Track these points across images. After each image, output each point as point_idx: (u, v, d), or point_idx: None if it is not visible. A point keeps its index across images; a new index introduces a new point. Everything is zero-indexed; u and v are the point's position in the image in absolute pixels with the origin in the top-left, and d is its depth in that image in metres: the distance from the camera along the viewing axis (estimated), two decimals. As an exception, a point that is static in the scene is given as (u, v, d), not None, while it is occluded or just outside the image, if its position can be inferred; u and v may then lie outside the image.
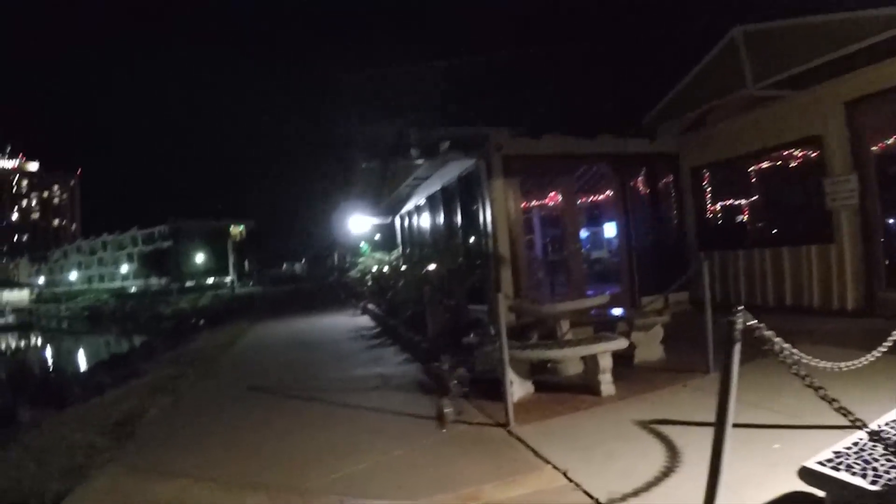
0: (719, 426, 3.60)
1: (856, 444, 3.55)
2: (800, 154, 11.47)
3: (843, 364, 4.31)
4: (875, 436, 3.38)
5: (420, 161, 11.88)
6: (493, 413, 6.44)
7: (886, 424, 3.75)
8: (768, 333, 3.64)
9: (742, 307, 3.61)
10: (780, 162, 11.96)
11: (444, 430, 6.17)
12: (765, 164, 12.24)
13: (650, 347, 8.54)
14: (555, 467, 4.91)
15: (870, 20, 8.77)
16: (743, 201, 12.79)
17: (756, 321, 3.57)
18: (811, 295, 10.79)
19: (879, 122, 10.50)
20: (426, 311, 11.62)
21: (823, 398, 3.44)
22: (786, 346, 3.67)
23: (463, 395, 7.17)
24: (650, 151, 13.00)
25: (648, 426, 5.65)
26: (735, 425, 4.09)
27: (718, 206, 13.27)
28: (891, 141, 10.59)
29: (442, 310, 11.37)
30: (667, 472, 4.61)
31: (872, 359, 4.38)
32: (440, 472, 5.14)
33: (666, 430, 5.51)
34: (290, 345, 14.42)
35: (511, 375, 6.44)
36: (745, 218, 12.81)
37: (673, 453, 4.96)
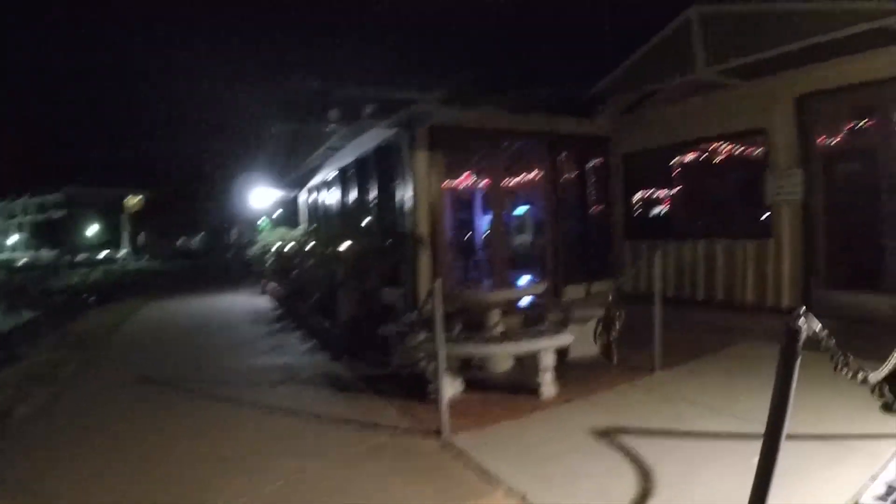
0: (766, 465, 2.80)
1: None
2: (744, 146, 11.09)
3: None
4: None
5: (337, 126, 10.80)
6: (421, 417, 5.51)
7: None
8: (831, 343, 2.91)
9: (802, 308, 2.81)
10: (721, 152, 11.53)
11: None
12: (705, 154, 11.78)
13: (587, 343, 7.80)
14: (510, 489, 4.07)
15: (831, 14, 8.43)
16: (678, 191, 12.27)
17: (819, 327, 2.81)
18: (745, 291, 10.43)
19: (829, 119, 10.20)
20: (337, 294, 10.55)
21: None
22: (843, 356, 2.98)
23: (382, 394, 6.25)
24: (585, 133, 12.30)
25: (605, 435, 4.93)
26: (695, 433, 4.15)
27: (652, 195, 12.73)
28: (839, 139, 10.23)
29: (355, 293, 10.34)
30: (645, 496, 3.91)
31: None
32: (370, 500, 4.17)
33: (627, 439, 4.81)
34: (184, 327, 12.98)
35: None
36: (680, 208, 12.30)
37: (645, 470, 4.26)
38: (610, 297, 7.55)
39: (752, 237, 10.30)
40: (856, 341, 3.99)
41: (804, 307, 2.76)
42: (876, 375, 4.05)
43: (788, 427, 2.93)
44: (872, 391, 4.66)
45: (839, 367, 3.25)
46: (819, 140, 10.00)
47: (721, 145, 11.40)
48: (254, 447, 5.20)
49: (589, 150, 12.62)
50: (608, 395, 6.14)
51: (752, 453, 4.38)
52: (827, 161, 9.99)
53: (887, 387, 4.56)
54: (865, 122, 9.78)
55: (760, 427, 4.79)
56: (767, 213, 10.13)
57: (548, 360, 6.22)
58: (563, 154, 12.26)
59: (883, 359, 4.30)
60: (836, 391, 5.00)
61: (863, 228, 9.64)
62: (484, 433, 5.13)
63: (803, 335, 2.78)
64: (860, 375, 3.23)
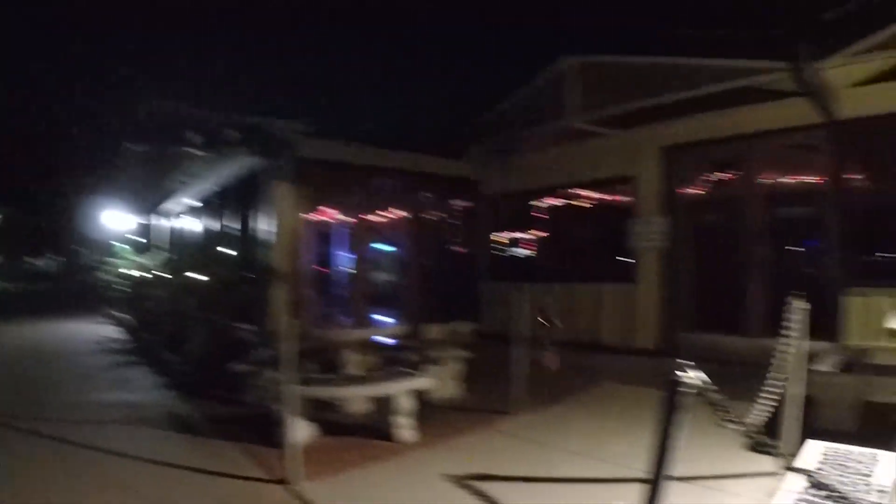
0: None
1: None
2: (611, 193, 11.39)
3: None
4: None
5: (199, 152, 10.38)
6: (272, 464, 5.12)
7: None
8: (715, 395, 2.88)
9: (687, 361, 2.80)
10: (589, 198, 11.77)
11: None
12: (573, 199, 12.00)
13: (446, 384, 7.71)
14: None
15: (698, 70, 8.93)
16: (545, 234, 12.45)
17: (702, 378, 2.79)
18: (606, 333, 10.65)
19: (693, 170, 10.67)
20: (189, 328, 10.01)
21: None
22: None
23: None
24: (452, 173, 12.38)
25: (466, 483, 4.74)
26: (563, 479, 4.06)
27: (517, 237, 12.86)
28: (702, 190, 10.66)
29: (208, 327, 9.83)
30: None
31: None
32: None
33: (489, 487, 4.64)
34: (19, 355, 11.96)
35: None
36: (546, 251, 12.49)
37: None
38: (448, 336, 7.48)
39: (618, 281, 10.58)
40: (717, 381, 4.04)
41: (689, 363, 2.72)
42: (753, 421, 4.12)
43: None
44: (749, 437, 4.75)
45: (723, 418, 3.26)
46: (683, 190, 10.40)
47: (589, 191, 11.67)
48: (80, 499, 4.66)
49: (456, 190, 12.67)
50: (469, 439, 5.99)
51: (616, 497, 4.39)
52: (690, 210, 10.43)
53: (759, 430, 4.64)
54: (727, 175, 10.22)
55: (628, 471, 4.82)
56: (632, 259, 10.39)
57: (406, 404, 6.03)
58: (430, 193, 12.28)
59: (745, 397, 4.38)
60: (698, 431, 5.06)
61: (723, 274, 10.10)
62: (337, 482, 4.85)
63: (688, 387, 2.74)
64: (742, 427, 3.25)
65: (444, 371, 7.70)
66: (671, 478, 2.70)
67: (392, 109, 11.22)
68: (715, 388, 3.10)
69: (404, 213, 12.37)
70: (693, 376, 2.97)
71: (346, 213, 11.97)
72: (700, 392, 3.04)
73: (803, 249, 10.46)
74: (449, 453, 5.56)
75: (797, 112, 8.90)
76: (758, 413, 4.27)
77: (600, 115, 10.22)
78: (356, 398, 6.77)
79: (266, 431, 5.69)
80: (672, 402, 2.93)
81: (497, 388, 7.27)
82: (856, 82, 8.61)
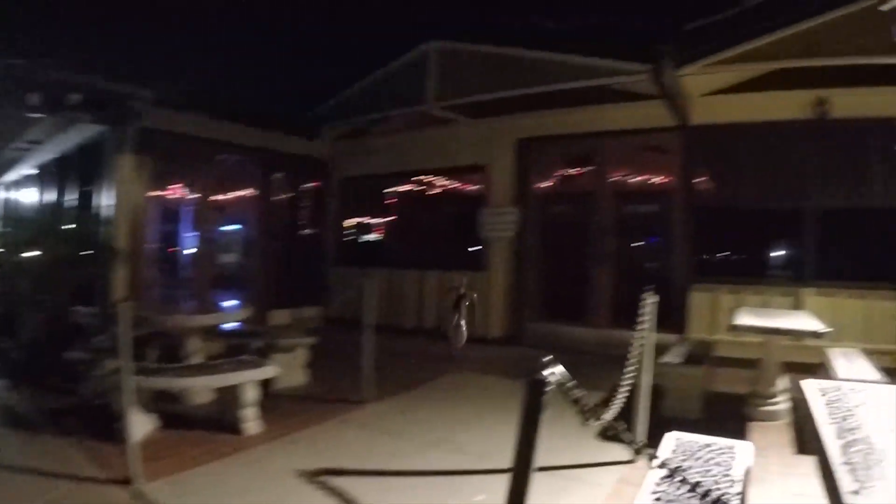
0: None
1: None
2: (464, 181, 11.52)
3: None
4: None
5: (39, 116, 9.68)
6: (112, 461, 4.85)
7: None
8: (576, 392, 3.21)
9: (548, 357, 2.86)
10: (443, 186, 11.86)
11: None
12: (426, 186, 12.05)
13: (293, 372, 7.63)
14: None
15: (561, 65, 9.24)
16: (395, 219, 12.45)
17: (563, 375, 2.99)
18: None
19: (546, 163, 10.98)
20: (20, 310, 9.35)
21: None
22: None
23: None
24: (304, 153, 12.15)
25: (316, 478, 4.69)
26: (418, 472, 4.04)
27: (368, 222, 12.80)
28: (553, 183, 10.97)
29: (42, 310, 9.20)
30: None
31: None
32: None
33: (340, 482, 4.61)
34: None
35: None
36: (396, 237, 12.49)
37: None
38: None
39: (467, 269, 10.69)
40: (567, 371, 4.18)
41: (548, 357, 2.78)
42: (610, 415, 4.29)
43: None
44: (604, 427, 4.93)
45: (580, 409, 3.36)
46: (536, 182, 10.66)
47: (443, 179, 11.74)
48: None
49: (307, 171, 12.47)
50: (318, 431, 5.93)
51: (476, 490, 4.46)
52: (542, 202, 10.74)
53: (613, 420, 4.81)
54: (580, 169, 10.55)
55: (480, 460, 4.92)
56: (482, 248, 10.55)
57: (251, 394, 5.88)
58: (280, 173, 12.03)
59: (596, 387, 4.55)
60: (556, 421, 5.16)
61: (572, 266, 10.49)
62: (181, 480, 4.66)
63: (549, 386, 2.80)
64: (598, 417, 3.36)
65: (292, 359, 7.63)
66: (533, 472, 2.75)
67: (247, 84, 10.81)
68: (574, 382, 3.19)
69: (254, 193, 12.05)
70: (553, 372, 2.97)
71: (193, 190, 11.54)
72: (560, 386, 3.11)
73: (651, 245, 11.01)
74: (298, 446, 5.49)
75: (651, 114, 9.43)
76: (613, 403, 4.45)
77: (459, 102, 10.29)
78: (200, 389, 6.57)
79: (104, 425, 5.42)
80: (533, 398, 2.95)
81: (347, 377, 7.28)
82: (708, 91, 9.26)
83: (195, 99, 10.12)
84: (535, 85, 9.42)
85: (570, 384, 3.26)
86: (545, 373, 2.84)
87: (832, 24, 7.99)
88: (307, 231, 12.78)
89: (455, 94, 10.18)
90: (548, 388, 2.80)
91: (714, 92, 9.34)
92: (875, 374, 6.13)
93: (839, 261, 9.04)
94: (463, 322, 8.89)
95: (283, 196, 12.37)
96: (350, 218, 12.87)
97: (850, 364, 6.54)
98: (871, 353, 7.12)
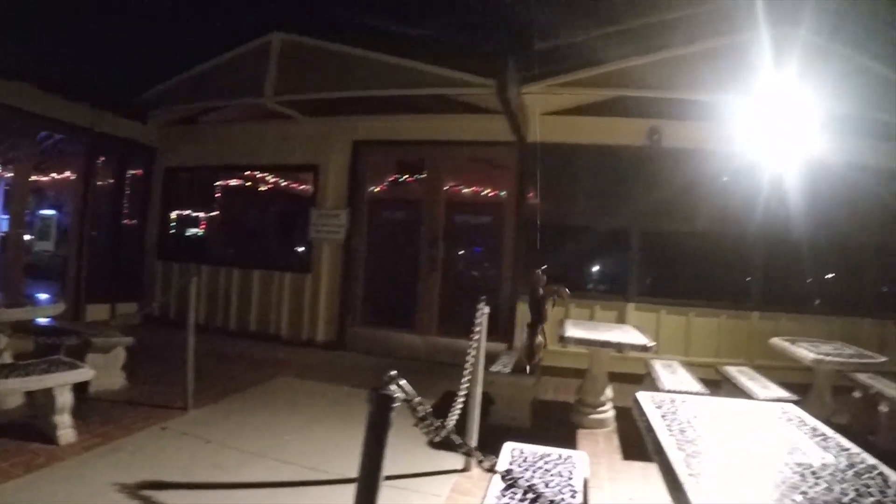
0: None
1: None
2: (295, 180, 11.25)
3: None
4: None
5: None
6: None
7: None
8: (425, 408, 3.17)
9: (393, 373, 2.75)
10: (275, 183, 11.52)
11: None
12: (255, 182, 11.65)
13: (110, 374, 7.12)
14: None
15: (405, 71, 9.18)
16: (221, 214, 11.94)
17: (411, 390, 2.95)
18: (280, 323, 10.59)
19: (380, 168, 11.03)
20: None
21: None
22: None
23: None
24: (132, 138, 11.31)
25: (140, 493, 4.32)
26: (245, 485, 3.88)
27: (192, 215, 12.21)
28: (386, 188, 10.93)
29: None
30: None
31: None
32: None
33: (168, 498, 4.30)
34: None
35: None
36: (220, 233, 11.99)
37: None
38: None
39: (292, 270, 10.52)
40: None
41: (394, 372, 2.65)
42: (445, 421, 4.21)
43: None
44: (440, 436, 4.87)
45: (419, 419, 3.25)
46: (369, 185, 10.58)
47: (273, 175, 11.43)
48: None
49: (135, 157, 11.70)
50: (139, 439, 5.51)
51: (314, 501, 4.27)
52: (374, 206, 10.69)
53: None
54: (414, 176, 10.56)
55: (311, 472, 4.74)
56: (313, 250, 10.34)
57: (66, 398, 5.37)
58: (105, 157, 11.15)
59: (423, 393, 4.48)
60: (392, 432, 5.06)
61: (401, 273, 10.55)
62: (-14, 498, 4.10)
63: (396, 402, 2.68)
64: (434, 426, 3.28)
65: (110, 359, 7.12)
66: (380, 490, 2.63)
67: (80, 58, 9.90)
68: (416, 394, 3.09)
69: (75, 176, 11.12)
70: (398, 387, 2.87)
71: (7, 168, 10.54)
72: (405, 400, 3.01)
73: (480, 255, 11.15)
74: (119, 457, 5.05)
75: (490, 127, 9.61)
76: (452, 412, 4.39)
77: (297, 98, 10.02)
78: (7, 392, 5.94)
79: None
80: (379, 413, 2.83)
81: (169, 380, 6.94)
82: (549, 111, 9.63)
83: (13, 67, 9.15)
84: (376, 88, 9.33)
85: (417, 399, 3.16)
86: (392, 388, 2.76)
87: (662, 62, 8.69)
88: (131, 221, 11.98)
89: (294, 90, 9.89)
90: (395, 405, 2.71)
91: (555, 112, 9.65)
92: (696, 385, 6.51)
93: (660, 278, 9.70)
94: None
95: (108, 181, 11.48)
96: (176, 210, 12.20)
97: (674, 375, 6.94)
98: (689, 365, 7.61)
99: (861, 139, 9.14)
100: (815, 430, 2.81)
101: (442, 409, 4.09)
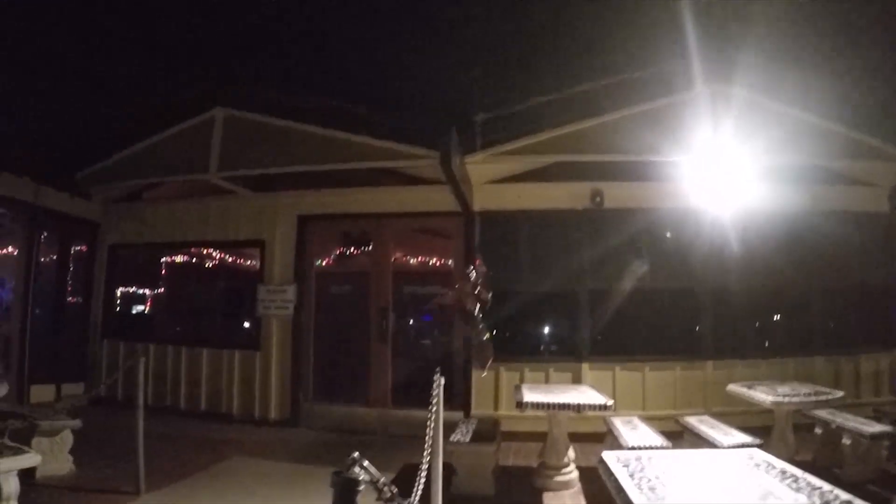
0: None
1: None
2: (242, 256, 11.24)
3: None
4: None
5: None
6: None
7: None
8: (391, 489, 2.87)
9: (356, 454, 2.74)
10: (218, 259, 11.44)
11: None
12: (201, 258, 11.58)
13: (58, 459, 6.89)
14: None
15: (348, 144, 9.37)
16: (167, 292, 11.81)
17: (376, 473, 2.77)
18: (231, 402, 10.39)
19: (326, 241, 11.00)
20: None
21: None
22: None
23: None
24: (75, 213, 11.12)
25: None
26: None
27: (138, 293, 12.04)
28: (333, 261, 10.95)
29: None
30: None
31: None
32: None
33: None
34: None
35: None
36: (167, 310, 11.84)
37: None
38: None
39: (241, 348, 10.40)
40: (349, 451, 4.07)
41: (356, 453, 2.67)
42: (409, 496, 4.19)
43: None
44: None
45: (382, 497, 3.26)
46: (316, 259, 10.58)
47: (219, 251, 11.38)
48: None
49: (77, 233, 11.49)
50: (89, 529, 5.31)
51: None
52: (322, 280, 10.66)
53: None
54: (361, 249, 10.61)
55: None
56: (261, 326, 10.25)
57: (10, 487, 5.11)
58: (48, 233, 10.94)
59: (380, 467, 4.45)
60: None
61: (351, 345, 10.54)
62: None
63: (361, 486, 2.68)
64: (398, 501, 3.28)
65: (56, 444, 6.89)
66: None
67: (22, 131, 9.80)
68: (380, 475, 3.10)
69: (16, 250, 10.91)
70: (361, 469, 2.90)
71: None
72: (370, 482, 3.02)
73: (429, 324, 11.18)
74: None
75: (435, 198, 9.76)
76: (414, 488, 4.37)
77: (241, 173, 10.06)
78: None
79: None
80: (344, 497, 2.88)
81: (118, 464, 6.71)
82: (493, 179, 9.85)
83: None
84: (321, 162, 9.43)
85: (382, 480, 3.18)
86: (355, 469, 2.79)
87: (600, 126, 9.11)
88: (75, 299, 11.75)
89: (238, 165, 9.90)
90: (360, 488, 2.73)
91: (498, 180, 9.88)
92: (658, 439, 6.49)
93: (612, 336, 9.75)
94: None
95: (51, 257, 11.26)
96: (122, 287, 12.01)
97: (635, 431, 6.93)
98: (649, 419, 7.66)
99: (797, 185, 9.62)
100: (783, 472, 2.89)
101: (401, 483, 4.07)
